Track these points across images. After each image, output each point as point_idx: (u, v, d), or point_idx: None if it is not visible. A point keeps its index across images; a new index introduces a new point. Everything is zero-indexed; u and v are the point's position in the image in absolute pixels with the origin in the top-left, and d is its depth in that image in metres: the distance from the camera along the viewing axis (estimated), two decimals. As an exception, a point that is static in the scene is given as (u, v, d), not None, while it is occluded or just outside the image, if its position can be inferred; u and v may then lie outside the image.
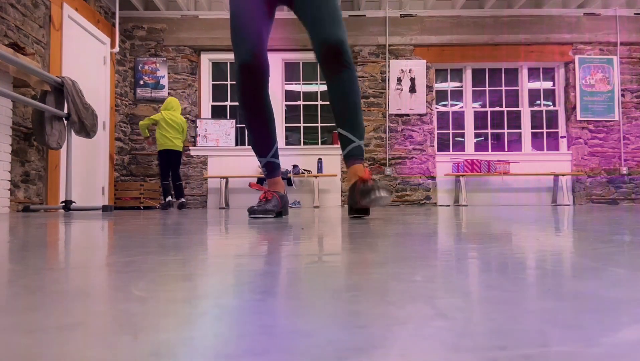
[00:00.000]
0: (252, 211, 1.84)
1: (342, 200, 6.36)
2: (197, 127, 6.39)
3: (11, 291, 0.38)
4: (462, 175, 6.12)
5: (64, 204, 4.01)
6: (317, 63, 1.90)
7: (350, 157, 1.87)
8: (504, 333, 0.24)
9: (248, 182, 6.33)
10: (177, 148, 5.32)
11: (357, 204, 1.74)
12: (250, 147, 6.36)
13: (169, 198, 5.31)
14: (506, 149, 6.65)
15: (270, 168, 2.04)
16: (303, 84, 6.70)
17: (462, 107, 6.69)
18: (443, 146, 6.65)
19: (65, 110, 4.17)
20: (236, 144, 6.46)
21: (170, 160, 5.29)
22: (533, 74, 6.70)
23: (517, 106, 6.69)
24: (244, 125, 6.68)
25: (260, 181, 6.14)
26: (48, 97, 3.99)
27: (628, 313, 0.29)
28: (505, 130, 6.66)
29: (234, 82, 6.69)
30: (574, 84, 6.45)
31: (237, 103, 6.66)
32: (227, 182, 6.17)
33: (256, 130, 1.97)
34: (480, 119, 6.68)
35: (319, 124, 6.68)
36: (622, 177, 6.42)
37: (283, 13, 6.46)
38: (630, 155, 6.45)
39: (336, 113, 1.87)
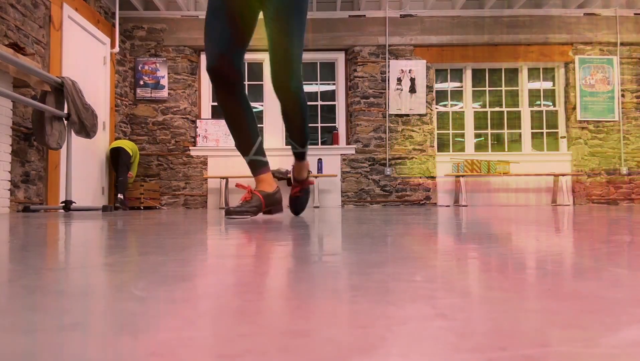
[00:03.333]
0: (228, 212, 1.86)
1: (343, 200, 6.35)
2: (197, 127, 6.38)
3: (11, 291, 0.38)
4: (462, 175, 6.11)
5: (64, 204, 4.01)
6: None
7: (297, 157, 2.31)
8: (504, 333, 0.24)
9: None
10: (124, 146, 5.58)
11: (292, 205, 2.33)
12: (250, 147, 6.36)
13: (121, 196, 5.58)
14: (506, 149, 6.65)
15: (254, 166, 2.06)
16: (303, 84, 6.69)
17: (462, 107, 6.69)
18: (443, 146, 6.65)
19: (65, 110, 4.16)
20: (236, 144, 6.46)
21: (119, 158, 5.54)
22: (533, 74, 6.70)
23: (517, 106, 6.69)
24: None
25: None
26: (48, 97, 3.99)
27: (628, 313, 0.29)
28: (505, 130, 6.66)
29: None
30: (574, 84, 6.45)
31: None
32: (227, 182, 6.17)
33: (234, 131, 2.03)
34: (480, 119, 6.68)
35: (319, 124, 6.68)
36: (622, 177, 6.42)
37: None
38: (630, 155, 6.45)
39: (286, 127, 2.18)
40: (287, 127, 2.16)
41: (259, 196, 1.96)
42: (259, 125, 6.03)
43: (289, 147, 6.39)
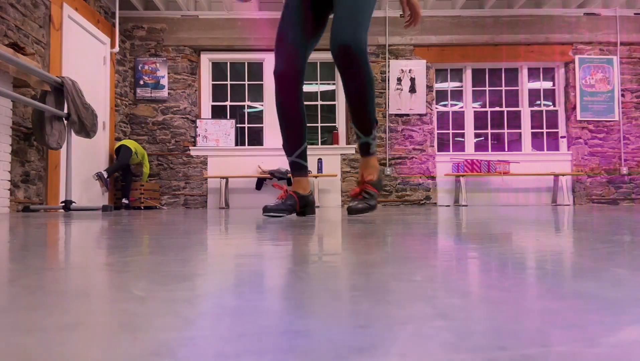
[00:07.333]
0: (266, 209, 1.91)
1: (342, 200, 6.35)
2: (197, 127, 6.38)
3: (11, 291, 0.38)
4: (462, 175, 6.11)
5: (63, 204, 4.01)
6: (334, 61, 2.00)
7: (361, 151, 2.17)
8: (504, 333, 0.24)
9: (254, 182, 6.34)
10: (127, 145, 5.51)
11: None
12: (250, 147, 6.37)
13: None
14: (506, 149, 6.64)
15: (294, 167, 2.12)
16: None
17: (462, 107, 6.68)
18: (443, 146, 6.64)
19: (65, 110, 4.16)
20: (236, 144, 6.45)
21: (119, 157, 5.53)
22: (533, 74, 6.70)
23: (517, 106, 6.69)
24: (243, 125, 6.70)
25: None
26: (48, 97, 3.99)
27: (628, 313, 0.29)
28: (505, 130, 6.66)
29: (234, 82, 6.70)
30: (574, 84, 6.45)
31: (237, 104, 6.68)
32: (227, 182, 6.17)
33: (285, 130, 2.09)
34: (480, 119, 6.67)
35: (319, 124, 6.67)
36: (622, 177, 6.42)
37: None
38: (630, 155, 6.45)
39: (350, 109, 2.07)
40: (352, 108, 2.02)
41: (294, 196, 2.02)
42: (258, 125, 6.09)
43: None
